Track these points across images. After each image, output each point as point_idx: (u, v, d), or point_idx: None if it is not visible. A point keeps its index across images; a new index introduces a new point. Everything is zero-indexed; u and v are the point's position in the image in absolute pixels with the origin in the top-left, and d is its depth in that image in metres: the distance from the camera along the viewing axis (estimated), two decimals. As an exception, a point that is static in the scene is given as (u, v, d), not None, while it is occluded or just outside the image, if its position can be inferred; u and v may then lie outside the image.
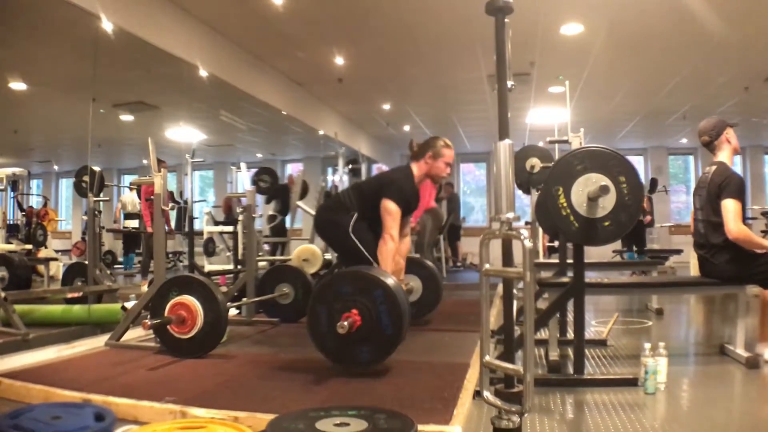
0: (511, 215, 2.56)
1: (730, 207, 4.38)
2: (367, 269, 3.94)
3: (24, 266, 6.66)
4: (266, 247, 10.84)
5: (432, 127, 14.43)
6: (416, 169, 4.71)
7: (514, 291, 3.10)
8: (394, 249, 4.40)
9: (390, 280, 3.60)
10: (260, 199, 10.66)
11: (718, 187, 4.46)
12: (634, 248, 11.17)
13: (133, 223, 9.70)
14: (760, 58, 8.98)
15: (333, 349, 3.58)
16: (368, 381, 3.39)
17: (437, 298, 5.64)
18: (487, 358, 2.62)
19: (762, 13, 7.21)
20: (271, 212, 11.57)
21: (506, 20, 2.83)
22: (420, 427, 2.47)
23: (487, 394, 2.61)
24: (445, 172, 4.75)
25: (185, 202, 9.15)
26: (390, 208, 4.42)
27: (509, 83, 2.87)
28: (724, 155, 4.67)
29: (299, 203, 9.77)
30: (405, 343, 4.39)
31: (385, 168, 13.20)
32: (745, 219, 4.51)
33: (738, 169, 4.77)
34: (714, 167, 4.63)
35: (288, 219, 10.59)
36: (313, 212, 8.68)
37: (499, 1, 2.79)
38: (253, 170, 11.48)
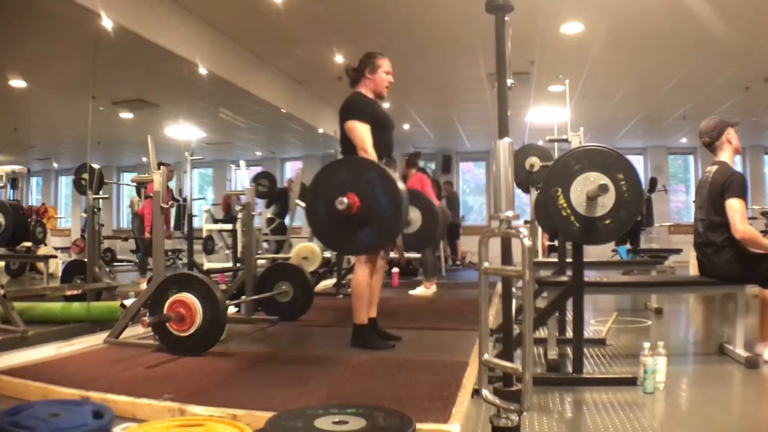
0: (510, 213, 2.55)
1: (735, 206, 4.37)
2: (358, 157, 3.95)
3: (22, 216, 6.62)
4: (265, 245, 10.86)
5: (431, 125, 14.45)
6: (363, 90, 4.53)
7: (513, 290, 3.10)
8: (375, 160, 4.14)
9: (383, 166, 3.60)
10: (259, 202, 10.68)
11: (721, 186, 4.46)
12: (628, 245, 11.16)
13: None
14: (760, 57, 8.98)
15: (336, 239, 3.60)
16: (367, 379, 3.39)
17: (435, 229, 5.66)
18: (486, 356, 2.62)
19: (762, 12, 7.21)
20: (269, 215, 11.58)
21: (506, 18, 2.83)
22: (418, 425, 2.48)
23: (485, 392, 2.61)
24: (387, 82, 4.55)
25: (184, 200, 9.15)
26: (353, 127, 4.24)
27: (509, 81, 2.86)
28: (725, 155, 4.66)
29: (298, 201, 9.79)
30: (404, 342, 4.43)
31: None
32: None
33: (738, 168, 4.75)
34: (715, 167, 4.62)
35: (287, 220, 10.61)
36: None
37: (498, -1, 2.79)
38: (253, 168, 11.49)
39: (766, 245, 4.41)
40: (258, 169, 15.40)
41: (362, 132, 4.23)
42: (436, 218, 5.65)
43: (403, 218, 3.55)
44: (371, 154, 4.16)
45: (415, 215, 5.53)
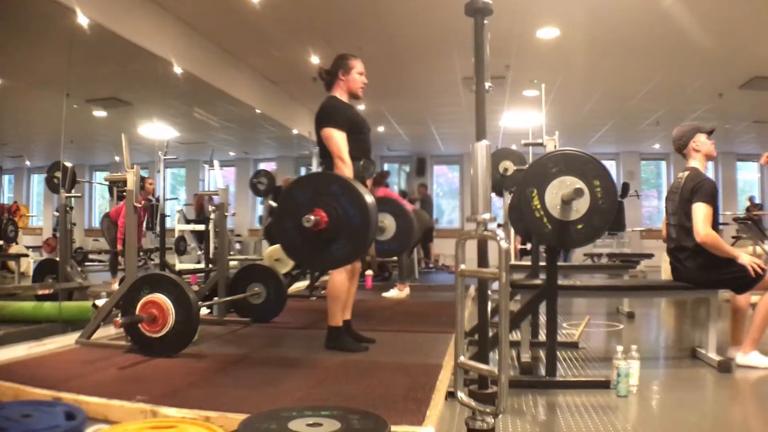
0: (487, 216, 2.56)
1: (699, 210, 4.43)
2: (319, 173, 3.91)
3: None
4: (237, 246, 10.79)
5: (406, 127, 14.46)
6: (338, 93, 4.48)
7: (489, 292, 3.11)
8: (351, 169, 4.17)
9: (344, 177, 3.64)
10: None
11: (690, 191, 4.52)
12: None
13: None
14: (734, 64, 9.09)
15: (310, 257, 3.58)
16: (341, 382, 3.38)
17: (411, 231, 5.69)
18: (462, 358, 2.62)
19: (737, 20, 7.29)
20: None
21: (485, 21, 2.84)
22: (393, 427, 2.47)
23: (461, 394, 2.61)
24: (362, 83, 4.52)
25: (157, 199, 9.09)
26: (329, 134, 4.21)
27: (487, 85, 2.87)
28: (695, 162, 4.73)
29: (271, 202, 9.76)
30: (378, 344, 4.42)
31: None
32: (717, 224, 4.56)
33: (710, 175, 4.82)
34: (687, 173, 4.69)
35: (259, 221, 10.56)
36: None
37: (478, 2, 2.79)
38: (226, 168, 11.39)
39: (727, 250, 4.47)
40: (231, 170, 15.33)
41: (339, 140, 4.20)
42: (409, 220, 5.66)
43: (373, 225, 3.54)
44: (347, 162, 4.15)
45: (388, 221, 5.55)
